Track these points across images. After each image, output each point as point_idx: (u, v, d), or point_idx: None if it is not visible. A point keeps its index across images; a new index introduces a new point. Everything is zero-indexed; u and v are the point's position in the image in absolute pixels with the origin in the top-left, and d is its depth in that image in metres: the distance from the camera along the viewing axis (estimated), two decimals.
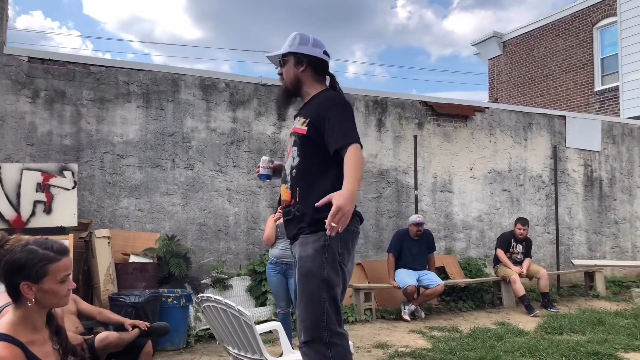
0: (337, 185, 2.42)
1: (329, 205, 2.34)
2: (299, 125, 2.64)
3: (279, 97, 2.87)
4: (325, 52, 2.76)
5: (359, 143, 2.49)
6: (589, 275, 8.28)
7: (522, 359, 4.43)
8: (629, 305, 7.24)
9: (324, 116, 2.55)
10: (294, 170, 2.62)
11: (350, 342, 2.74)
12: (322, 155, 2.55)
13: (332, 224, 2.26)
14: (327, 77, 2.78)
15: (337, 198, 2.29)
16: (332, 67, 2.89)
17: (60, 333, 1.91)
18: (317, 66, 2.72)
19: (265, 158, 2.93)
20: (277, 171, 2.97)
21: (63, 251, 1.97)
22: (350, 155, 2.44)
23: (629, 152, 9.61)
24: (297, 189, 2.59)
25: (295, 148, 2.63)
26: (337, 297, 2.50)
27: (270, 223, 4.66)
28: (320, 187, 2.52)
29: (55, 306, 1.96)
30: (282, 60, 2.74)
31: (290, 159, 2.65)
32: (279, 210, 4.66)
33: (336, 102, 2.59)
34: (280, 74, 2.77)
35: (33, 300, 1.86)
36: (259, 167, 2.91)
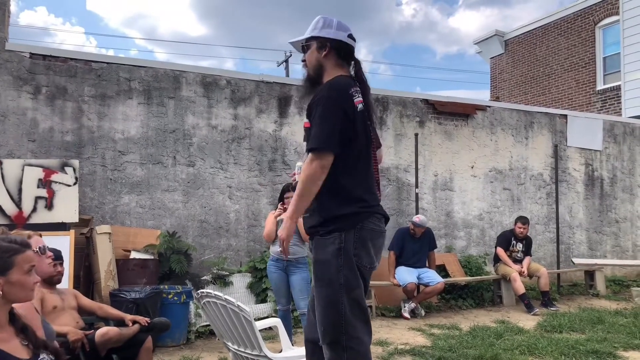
0: (346, 181, 2.45)
1: (343, 202, 2.45)
2: (307, 118, 2.56)
3: (303, 85, 2.72)
4: (350, 36, 2.62)
5: (326, 150, 2.37)
6: (589, 274, 8.28)
7: (522, 357, 4.44)
8: (629, 304, 7.24)
9: (314, 108, 2.48)
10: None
11: None
12: None
13: (279, 249, 2.55)
14: (352, 64, 2.64)
15: (281, 228, 2.53)
16: None
17: (27, 330, 1.88)
18: (340, 50, 2.59)
19: (300, 164, 2.73)
20: None
21: (26, 244, 1.94)
22: (305, 167, 2.41)
23: (631, 152, 9.59)
24: None
25: (305, 143, 2.56)
26: (359, 298, 2.45)
27: (271, 219, 4.67)
28: (328, 184, 2.44)
29: (24, 299, 1.91)
30: (304, 46, 2.64)
31: (305, 155, 2.57)
32: (279, 206, 4.67)
33: (325, 94, 2.46)
34: (304, 60, 2.66)
35: (0, 292, 1.82)
36: (294, 174, 2.81)
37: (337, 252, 2.42)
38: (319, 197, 2.47)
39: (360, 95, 2.50)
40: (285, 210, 4.50)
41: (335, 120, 2.39)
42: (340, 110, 2.42)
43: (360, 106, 2.48)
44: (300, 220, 2.67)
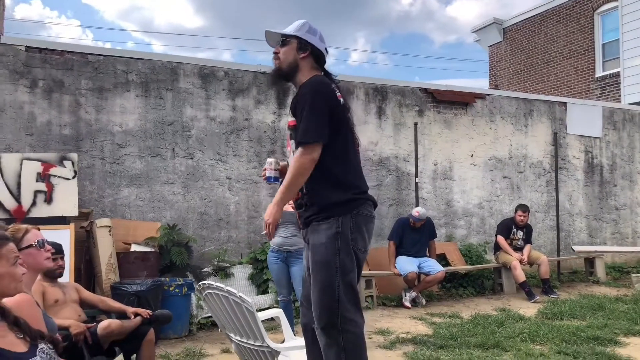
0: (340, 169, 2.52)
1: (339, 189, 2.51)
2: (290, 117, 2.64)
3: (271, 77, 2.83)
4: (326, 49, 2.76)
5: (317, 142, 2.46)
6: (590, 261, 8.30)
7: (523, 345, 4.45)
8: (629, 290, 7.27)
9: (298, 104, 2.55)
10: None
11: None
12: None
13: (264, 232, 2.55)
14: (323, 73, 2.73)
15: (266, 213, 2.56)
16: (335, 55, 2.89)
17: (20, 322, 1.87)
18: (318, 58, 2.70)
19: (271, 160, 2.83)
20: (283, 172, 2.91)
21: (6, 237, 1.92)
22: (294, 160, 2.48)
23: (630, 138, 9.58)
24: None
25: (292, 141, 2.62)
26: (353, 282, 2.53)
27: None
28: (321, 174, 2.52)
29: (13, 292, 1.88)
30: (283, 40, 2.69)
31: (291, 152, 2.64)
32: None
33: (310, 89, 2.55)
34: (277, 52, 2.72)
35: None
36: (264, 169, 2.84)
37: (334, 236, 2.49)
38: (313, 187, 2.54)
39: (339, 92, 2.62)
40: None
41: (323, 112, 2.49)
42: (327, 103, 2.52)
43: (342, 100, 2.61)
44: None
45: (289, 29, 2.70)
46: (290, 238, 4.50)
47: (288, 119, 2.68)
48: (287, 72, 2.70)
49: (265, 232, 2.57)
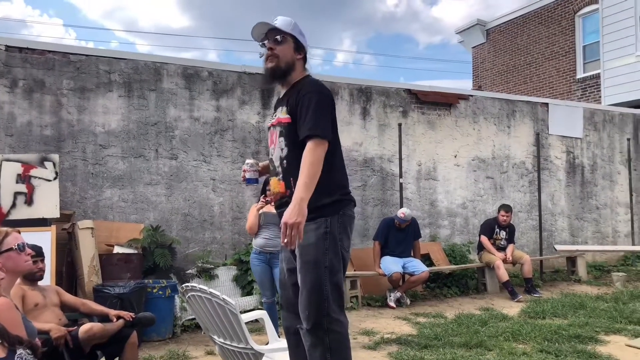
0: (329, 170, 2.49)
1: (328, 190, 2.46)
2: (282, 115, 2.60)
3: (268, 75, 2.69)
4: None
5: (326, 139, 2.45)
6: (571, 260, 8.41)
7: (506, 344, 4.49)
8: (610, 289, 7.38)
9: (300, 101, 2.51)
10: (285, 161, 2.59)
11: None
12: None
13: (286, 240, 2.32)
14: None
15: (285, 215, 2.34)
16: (320, 55, 2.90)
17: None
18: (306, 60, 2.70)
19: (250, 161, 2.79)
20: (263, 173, 2.91)
21: None
22: (308, 152, 2.42)
23: (610, 139, 9.73)
24: (291, 179, 2.54)
25: (282, 139, 2.60)
26: (340, 282, 2.54)
27: (253, 212, 4.64)
28: None
29: None
30: (281, 37, 2.62)
31: (278, 150, 2.62)
32: (262, 199, 4.64)
33: (318, 89, 2.55)
34: (272, 49, 2.62)
35: None
36: (244, 170, 2.80)
37: (323, 236, 2.49)
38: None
39: None
40: (267, 202, 4.49)
41: (328, 113, 2.53)
42: (331, 105, 2.57)
43: None
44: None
45: (283, 25, 2.62)
46: (272, 239, 4.49)
47: (279, 115, 2.62)
48: (285, 71, 2.64)
49: (286, 239, 2.33)
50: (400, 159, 7.64)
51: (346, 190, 2.64)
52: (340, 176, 2.62)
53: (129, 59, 6.20)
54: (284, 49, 2.62)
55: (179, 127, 6.38)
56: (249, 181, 2.79)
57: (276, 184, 2.65)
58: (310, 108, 2.47)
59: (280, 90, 2.77)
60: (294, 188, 2.50)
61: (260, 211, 4.56)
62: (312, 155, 2.41)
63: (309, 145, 2.43)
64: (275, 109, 2.75)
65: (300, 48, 2.66)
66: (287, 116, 2.57)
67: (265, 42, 2.66)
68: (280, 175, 2.63)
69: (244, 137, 6.74)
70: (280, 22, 2.63)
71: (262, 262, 4.55)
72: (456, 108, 8.34)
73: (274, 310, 4.59)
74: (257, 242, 4.59)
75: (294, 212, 2.32)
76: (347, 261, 2.61)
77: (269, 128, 2.75)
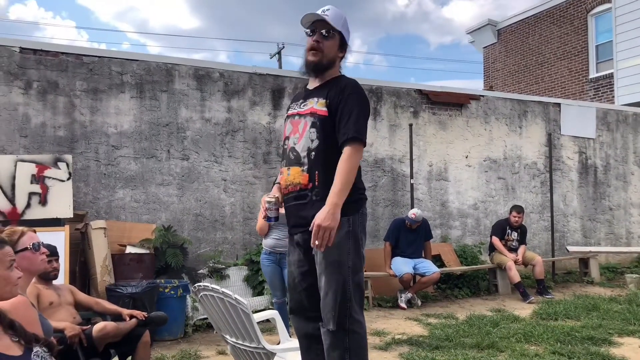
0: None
1: (352, 188, 2.42)
2: (318, 106, 2.54)
3: (309, 68, 2.61)
4: None
5: (364, 144, 2.47)
6: (584, 261, 8.34)
7: (518, 345, 4.47)
8: (623, 291, 7.30)
9: (343, 99, 2.49)
10: (313, 153, 2.52)
11: None
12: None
13: (317, 242, 2.32)
14: None
15: (317, 217, 2.34)
16: None
17: (15, 325, 1.86)
18: (343, 59, 2.70)
19: (270, 199, 2.64)
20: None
21: (2, 241, 1.91)
22: (349, 158, 2.41)
23: (624, 139, 9.64)
24: (317, 172, 2.51)
25: (314, 130, 2.53)
26: (362, 281, 2.54)
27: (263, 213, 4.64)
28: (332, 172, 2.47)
29: (7, 296, 1.87)
30: (330, 32, 2.56)
31: (307, 140, 2.54)
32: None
33: (363, 94, 2.55)
34: (318, 42, 2.55)
35: None
36: (265, 209, 2.67)
37: (346, 235, 2.47)
38: (329, 185, 2.44)
39: None
40: None
41: (367, 118, 2.56)
42: (369, 111, 2.61)
43: None
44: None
45: (334, 21, 2.56)
46: (282, 240, 4.48)
47: (314, 106, 2.55)
48: (326, 67, 2.61)
49: (317, 242, 2.32)
50: (411, 159, 7.62)
51: (364, 190, 2.65)
52: (359, 176, 2.61)
53: (141, 61, 6.25)
54: (330, 45, 2.58)
55: (191, 128, 6.41)
56: (269, 220, 2.69)
57: (298, 174, 2.56)
58: (354, 112, 2.46)
59: (296, 84, 2.77)
60: (318, 182, 2.49)
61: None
62: (351, 161, 2.41)
63: (350, 150, 2.41)
64: (305, 98, 2.66)
65: (344, 45, 2.63)
66: (325, 109, 2.52)
67: (312, 32, 2.58)
68: (306, 167, 2.54)
69: (254, 137, 6.76)
70: (331, 14, 2.56)
71: (272, 262, 4.56)
72: (467, 108, 8.31)
73: (285, 310, 4.59)
74: (267, 242, 4.60)
75: (328, 216, 2.32)
76: (365, 259, 2.60)
77: (293, 116, 2.66)
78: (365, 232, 2.62)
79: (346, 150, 2.42)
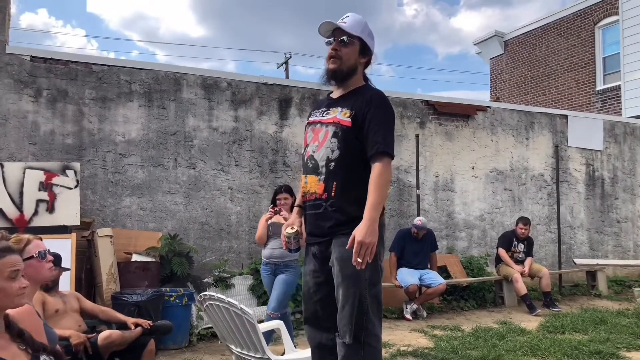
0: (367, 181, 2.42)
1: (366, 202, 2.35)
2: (342, 116, 2.51)
3: (328, 76, 2.58)
4: None
5: (393, 157, 2.45)
6: (591, 274, 8.27)
7: (524, 358, 4.43)
8: (631, 304, 7.23)
9: (370, 112, 2.45)
10: (332, 164, 2.49)
11: None
12: (364, 151, 2.47)
13: (359, 259, 2.28)
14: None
15: (357, 234, 2.30)
16: None
17: (24, 334, 1.84)
18: (368, 65, 2.64)
19: (291, 232, 2.64)
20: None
21: (7, 249, 1.89)
22: (380, 172, 2.38)
23: (631, 152, 9.59)
24: (334, 183, 2.48)
25: (334, 140, 2.50)
26: (379, 294, 2.51)
27: (262, 223, 4.63)
28: (359, 187, 2.43)
29: (9, 306, 1.85)
30: (347, 38, 2.52)
31: (327, 150, 2.51)
32: (270, 209, 4.63)
33: (387, 105, 2.52)
34: (336, 50, 2.53)
35: None
36: (285, 242, 2.68)
37: None
38: (349, 194, 2.44)
39: None
40: (275, 213, 4.49)
41: (394, 130, 2.54)
42: (394, 123, 2.58)
43: None
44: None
45: (352, 27, 2.53)
46: (276, 250, 4.45)
47: (337, 115, 2.52)
48: (346, 74, 2.56)
49: (359, 259, 2.28)
50: (418, 170, 7.62)
51: None
52: None
53: (149, 69, 6.30)
54: (349, 52, 2.54)
55: (198, 137, 6.45)
56: (290, 251, 2.71)
57: (314, 183, 2.53)
58: (382, 125, 2.44)
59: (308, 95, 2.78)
60: (334, 193, 2.46)
61: (269, 221, 4.55)
62: (384, 176, 2.39)
63: (381, 165, 2.40)
64: (328, 106, 2.63)
65: (366, 51, 2.58)
66: (349, 120, 2.49)
67: (331, 40, 2.56)
68: (323, 177, 2.51)
69: (261, 147, 6.78)
70: (349, 22, 2.54)
71: (269, 273, 4.54)
72: (474, 119, 8.30)
73: (288, 320, 4.58)
74: (264, 253, 4.59)
75: (369, 231, 2.29)
76: (383, 271, 2.57)
77: (315, 124, 2.62)
78: (384, 243, 2.54)
79: (377, 166, 2.40)
